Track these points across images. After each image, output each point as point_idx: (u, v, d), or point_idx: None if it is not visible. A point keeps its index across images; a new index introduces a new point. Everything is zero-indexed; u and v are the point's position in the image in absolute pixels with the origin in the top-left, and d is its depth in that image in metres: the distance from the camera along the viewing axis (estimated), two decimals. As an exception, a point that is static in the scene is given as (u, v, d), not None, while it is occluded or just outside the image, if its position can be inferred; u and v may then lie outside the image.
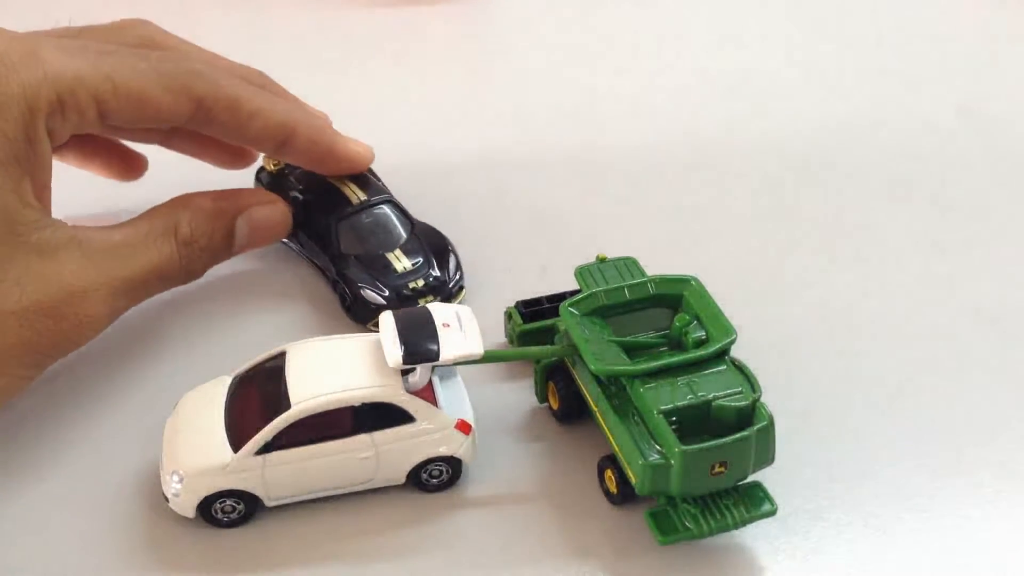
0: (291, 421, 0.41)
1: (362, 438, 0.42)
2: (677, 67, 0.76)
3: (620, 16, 0.83)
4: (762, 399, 0.40)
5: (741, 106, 0.71)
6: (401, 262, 0.53)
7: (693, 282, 0.45)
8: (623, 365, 0.42)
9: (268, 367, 0.44)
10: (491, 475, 0.45)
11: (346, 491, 0.43)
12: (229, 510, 0.42)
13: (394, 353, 0.42)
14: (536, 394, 0.48)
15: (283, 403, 0.42)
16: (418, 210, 0.57)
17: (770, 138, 0.68)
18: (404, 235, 0.54)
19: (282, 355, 0.44)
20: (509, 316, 0.50)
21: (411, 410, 0.42)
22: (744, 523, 0.41)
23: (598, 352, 0.42)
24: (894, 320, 0.53)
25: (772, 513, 0.41)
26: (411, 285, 0.52)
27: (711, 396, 0.40)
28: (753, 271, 0.57)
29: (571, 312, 0.44)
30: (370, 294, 0.51)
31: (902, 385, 0.50)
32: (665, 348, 0.44)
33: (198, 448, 0.42)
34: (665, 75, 0.75)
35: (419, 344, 0.42)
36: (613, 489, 0.43)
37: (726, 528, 0.41)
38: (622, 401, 0.42)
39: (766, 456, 0.41)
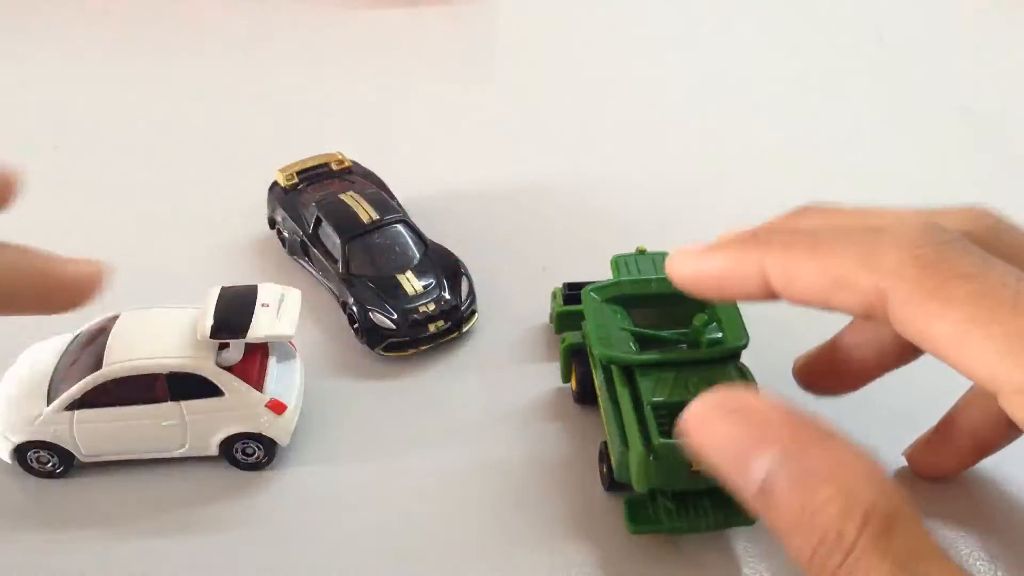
0: (99, 382, 0.43)
1: (169, 406, 0.43)
2: (688, 69, 0.76)
3: (623, 16, 0.82)
4: None
5: (755, 113, 0.71)
6: (412, 284, 0.52)
7: None
8: (624, 353, 0.42)
9: (98, 327, 0.46)
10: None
11: (158, 456, 0.45)
12: (44, 460, 0.44)
13: (204, 327, 0.43)
14: (561, 374, 0.49)
15: (98, 363, 0.43)
16: (430, 229, 0.56)
17: (782, 145, 0.67)
18: (416, 256, 0.53)
19: (115, 318, 0.45)
20: (554, 296, 0.52)
21: (219, 383, 0.44)
22: (719, 528, 0.41)
23: (604, 337, 0.43)
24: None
25: (749, 523, 0.41)
26: (421, 309, 0.50)
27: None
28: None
29: (591, 296, 0.45)
30: (379, 317, 0.50)
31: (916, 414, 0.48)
32: (683, 345, 0.44)
33: (21, 399, 0.44)
34: (678, 78, 0.75)
35: (230, 320, 0.44)
36: (604, 473, 0.44)
37: (698, 529, 0.41)
38: (621, 389, 0.42)
39: None
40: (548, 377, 0.50)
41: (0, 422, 0.44)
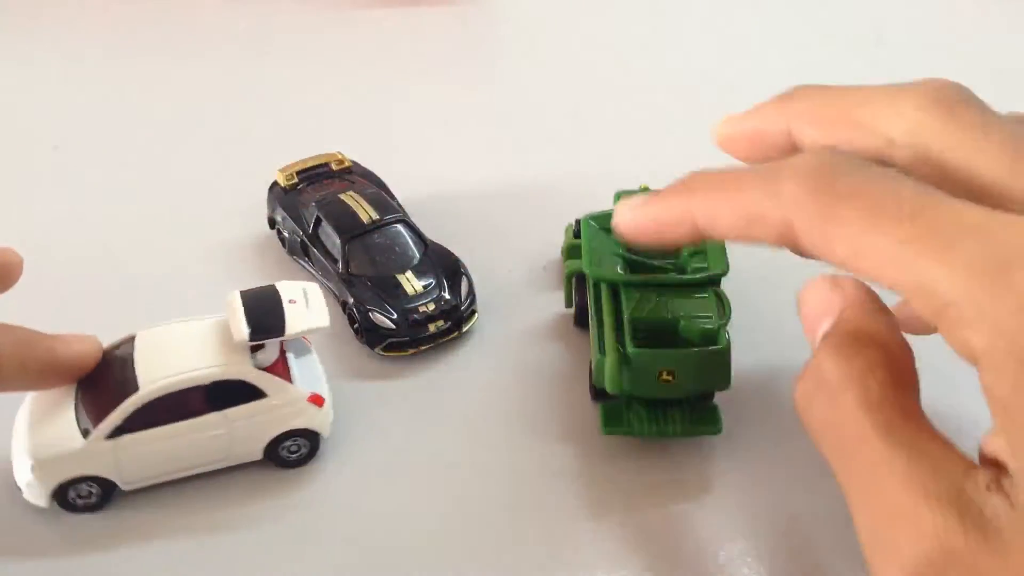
0: (140, 404, 0.42)
1: (214, 416, 0.43)
2: (688, 69, 0.76)
3: (623, 16, 0.82)
4: (728, 327, 0.44)
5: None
6: (412, 284, 0.52)
7: None
8: (612, 274, 0.46)
9: (118, 353, 0.44)
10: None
11: (203, 470, 0.44)
12: (85, 495, 0.42)
13: (241, 330, 0.43)
14: (565, 299, 0.52)
15: (131, 386, 0.42)
16: (430, 229, 0.56)
17: None
18: (416, 256, 0.53)
19: (131, 340, 0.44)
20: (566, 231, 0.54)
21: (261, 385, 0.43)
22: (686, 435, 0.45)
23: (596, 260, 0.47)
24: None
25: (716, 432, 0.45)
26: (421, 309, 0.50)
27: (680, 315, 0.44)
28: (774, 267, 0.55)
29: (590, 223, 0.49)
30: (379, 317, 0.50)
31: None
32: (673, 273, 0.47)
33: (49, 435, 0.42)
34: (678, 77, 0.75)
35: (265, 320, 0.43)
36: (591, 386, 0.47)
37: (666, 434, 0.45)
38: (607, 305, 0.45)
39: (718, 379, 0.44)
40: (548, 376, 0.50)
41: (27, 464, 0.42)
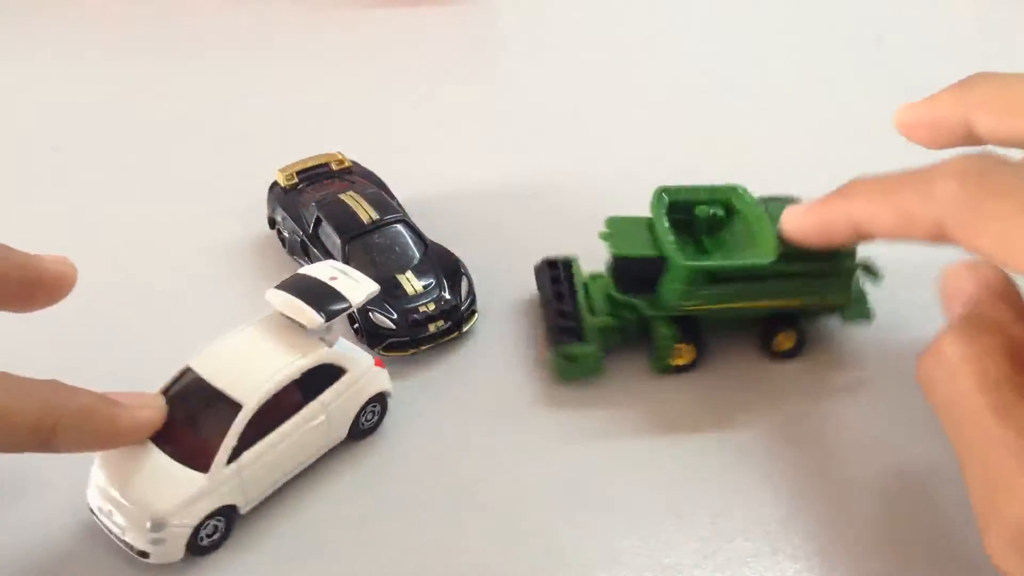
0: (249, 416, 0.41)
1: (313, 405, 0.43)
2: (688, 69, 0.76)
3: (623, 17, 0.82)
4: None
5: (755, 113, 0.71)
6: (412, 284, 0.52)
7: (739, 189, 0.51)
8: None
9: (182, 388, 0.43)
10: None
11: (307, 463, 0.44)
12: (211, 531, 0.41)
13: (313, 316, 0.43)
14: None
15: (228, 406, 0.41)
16: (430, 229, 0.56)
17: (781, 146, 0.67)
18: (416, 256, 0.53)
19: (188, 371, 0.43)
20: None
21: (342, 363, 0.45)
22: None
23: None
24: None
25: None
26: (421, 309, 0.50)
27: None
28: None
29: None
30: (379, 317, 0.50)
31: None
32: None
33: (160, 487, 0.40)
34: (678, 78, 0.75)
35: (326, 300, 0.44)
36: None
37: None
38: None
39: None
40: (548, 376, 0.50)
41: (149, 524, 0.39)
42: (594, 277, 0.52)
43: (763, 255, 0.47)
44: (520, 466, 0.45)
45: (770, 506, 0.43)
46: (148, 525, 0.40)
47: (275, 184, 0.59)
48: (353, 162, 0.60)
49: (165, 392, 0.43)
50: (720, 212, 0.50)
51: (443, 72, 0.77)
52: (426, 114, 0.71)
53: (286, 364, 0.42)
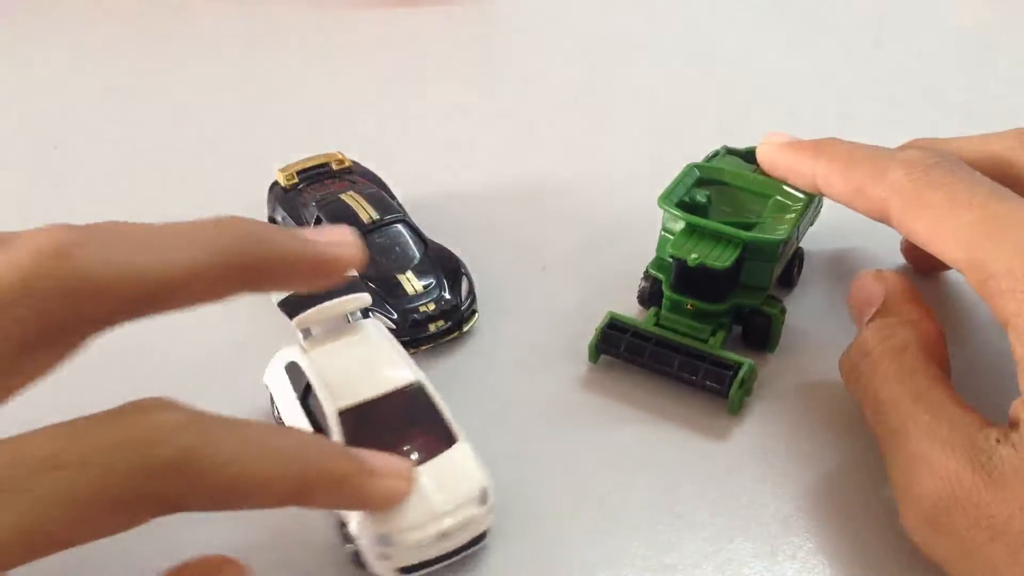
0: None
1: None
2: (688, 69, 0.76)
3: (623, 17, 0.83)
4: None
5: (755, 113, 0.71)
6: (412, 284, 0.52)
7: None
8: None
9: (367, 407, 0.41)
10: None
11: None
12: None
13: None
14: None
15: (424, 410, 0.41)
16: (430, 229, 0.56)
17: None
18: (416, 256, 0.53)
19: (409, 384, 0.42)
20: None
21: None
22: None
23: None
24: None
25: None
26: (421, 309, 0.50)
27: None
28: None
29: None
30: (379, 317, 0.50)
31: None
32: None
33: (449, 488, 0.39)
34: (678, 77, 0.75)
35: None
36: None
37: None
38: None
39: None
40: (548, 376, 0.50)
41: (382, 539, 0.38)
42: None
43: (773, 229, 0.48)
44: (519, 466, 0.46)
45: (770, 506, 0.43)
46: (379, 539, 0.38)
47: (275, 184, 0.59)
48: (353, 162, 0.60)
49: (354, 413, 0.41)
50: (705, 194, 0.50)
51: (443, 72, 0.77)
52: (426, 114, 0.71)
53: (405, 364, 0.43)
